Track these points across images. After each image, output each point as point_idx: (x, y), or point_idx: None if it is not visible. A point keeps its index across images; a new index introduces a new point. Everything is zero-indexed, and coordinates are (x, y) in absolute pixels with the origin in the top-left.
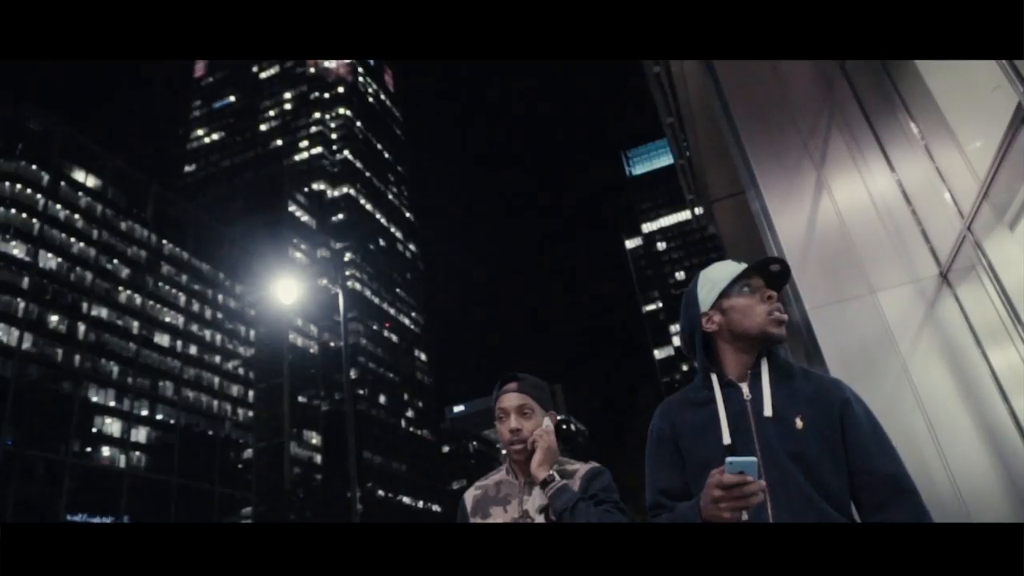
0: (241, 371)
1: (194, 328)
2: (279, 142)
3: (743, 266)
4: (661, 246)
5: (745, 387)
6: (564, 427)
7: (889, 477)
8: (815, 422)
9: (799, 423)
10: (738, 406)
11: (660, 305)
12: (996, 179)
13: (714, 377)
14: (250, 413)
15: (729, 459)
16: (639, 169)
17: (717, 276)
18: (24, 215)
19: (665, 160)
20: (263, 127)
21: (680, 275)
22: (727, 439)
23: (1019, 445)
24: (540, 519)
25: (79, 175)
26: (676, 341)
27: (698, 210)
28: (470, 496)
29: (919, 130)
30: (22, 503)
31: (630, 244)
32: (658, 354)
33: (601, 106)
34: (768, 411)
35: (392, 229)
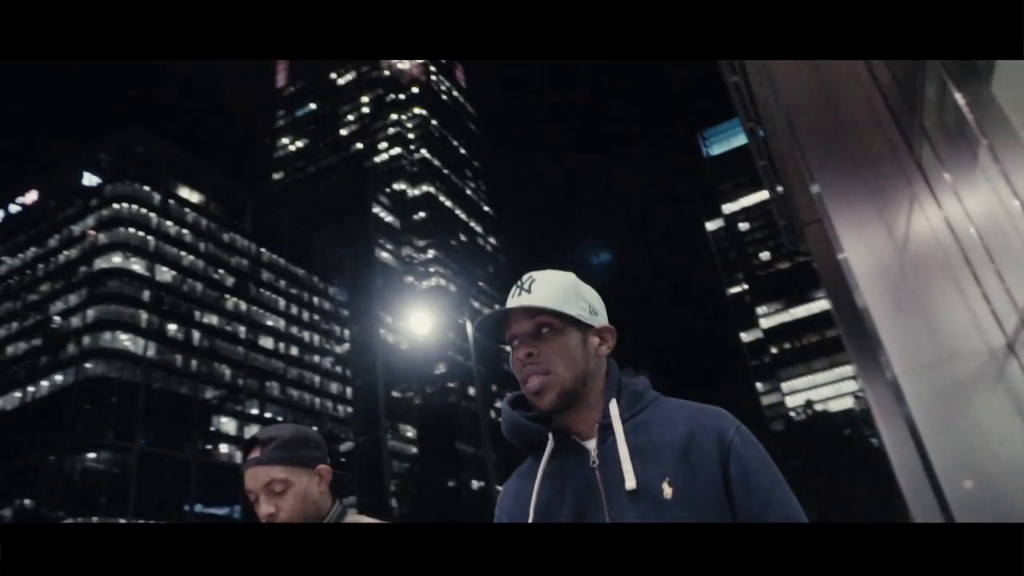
0: (338, 369)
1: (294, 330)
2: (359, 145)
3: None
4: (744, 226)
5: (592, 447)
6: None
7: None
8: (689, 484)
9: (667, 490)
10: (583, 477)
11: (745, 287)
12: None
13: (551, 437)
14: (349, 409)
15: None
16: (716, 149)
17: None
18: (141, 233)
19: (743, 139)
20: (343, 132)
21: (765, 255)
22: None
23: None
24: None
25: (184, 192)
26: (763, 323)
27: (779, 188)
28: None
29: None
30: (154, 496)
31: (711, 226)
32: (745, 337)
33: (673, 85)
34: (631, 483)
35: (472, 224)
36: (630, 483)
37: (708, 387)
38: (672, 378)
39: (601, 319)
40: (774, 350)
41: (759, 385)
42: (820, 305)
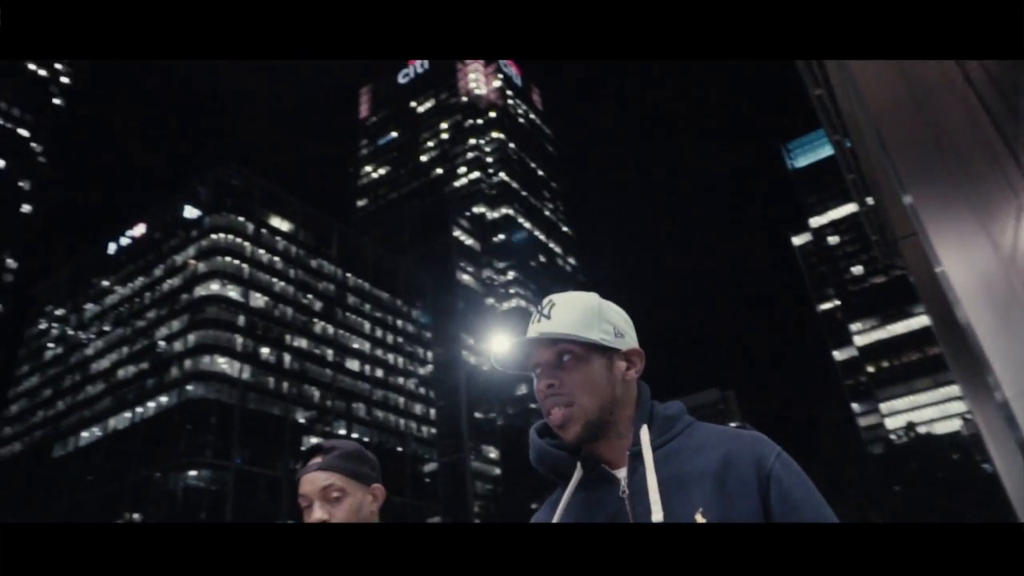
0: (422, 390)
1: (379, 353)
2: (439, 171)
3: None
4: (833, 240)
5: (623, 476)
6: None
7: None
8: (724, 514)
9: (700, 521)
10: (612, 507)
11: (837, 303)
12: None
13: (579, 466)
14: (432, 430)
15: None
16: (801, 161)
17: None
18: (236, 261)
19: (829, 149)
20: (424, 158)
21: (857, 269)
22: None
23: None
24: None
25: (275, 221)
26: (857, 341)
27: (869, 200)
28: None
29: None
30: (249, 513)
31: (798, 241)
32: (838, 355)
33: (755, 97)
34: (657, 515)
35: (551, 244)
36: (656, 515)
37: (802, 407)
38: (765, 395)
39: (628, 341)
40: (871, 369)
41: (855, 406)
42: (920, 321)
